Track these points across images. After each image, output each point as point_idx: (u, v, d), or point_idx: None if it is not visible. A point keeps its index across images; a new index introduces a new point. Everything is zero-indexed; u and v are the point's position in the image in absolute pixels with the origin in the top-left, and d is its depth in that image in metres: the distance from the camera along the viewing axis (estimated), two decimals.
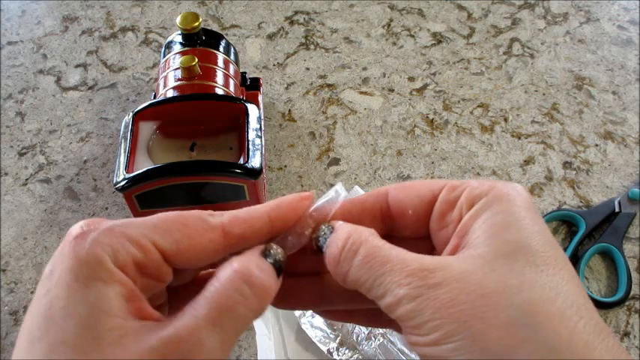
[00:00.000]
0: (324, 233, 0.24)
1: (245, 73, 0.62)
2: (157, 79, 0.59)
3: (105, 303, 0.18)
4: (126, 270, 0.19)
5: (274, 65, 0.71)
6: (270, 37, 0.74)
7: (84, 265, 0.18)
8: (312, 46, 0.73)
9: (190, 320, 0.19)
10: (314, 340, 0.46)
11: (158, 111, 0.52)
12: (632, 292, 0.51)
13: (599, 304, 0.50)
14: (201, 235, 0.21)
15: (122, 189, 0.46)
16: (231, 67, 0.58)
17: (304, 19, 0.76)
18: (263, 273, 0.21)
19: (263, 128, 0.54)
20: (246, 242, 0.22)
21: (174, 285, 0.23)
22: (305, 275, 0.26)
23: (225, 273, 0.20)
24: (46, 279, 0.19)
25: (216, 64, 0.56)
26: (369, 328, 0.46)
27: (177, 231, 0.21)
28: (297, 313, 0.48)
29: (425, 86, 0.68)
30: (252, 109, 0.52)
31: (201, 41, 0.57)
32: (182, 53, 0.55)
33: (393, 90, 0.68)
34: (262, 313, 0.21)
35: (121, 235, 0.20)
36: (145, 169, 0.46)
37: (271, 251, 0.22)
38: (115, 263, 0.19)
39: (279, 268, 0.22)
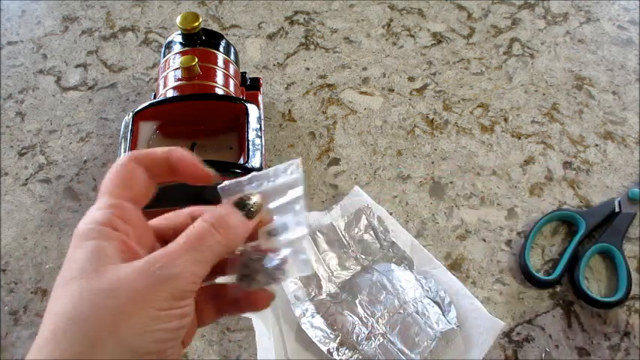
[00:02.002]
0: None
1: (245, 73, 0.62)
2: (157, 79, 0.59)
3: (99, 251, 0.23)
4: (116, 227, 0.25)
5: (274, 65, 0.71)
6: (270, 37, 0.74)
7: (78, 238, 0.24)
8: (312, 46, 0.73)
9: (169, 247, 0.24)
10: (314, 340, 0.46)
11: (158, 111, 0.52)
12: (632, 292, 0.51)
13: (599, 304, 0.50)
14: (126, 170, 0.27)
15: None
16: (231, 67, 0.58)
17: (304, 19, 0.76)
18: (229, 216, 0.26)
19: (263, 128, 0.54)
20: (155, 176, 0.28)
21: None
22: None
23: (198, 221, 0.26)
24: None
25: (216, 64, 0.56)
26: (369, 328, 0.46)
27: (114, 180, 0.27)
28: (298, 312, 0.48)
29: (425, 86, 0.68)
30: (252, 109, 0.52)
31: (201, 41, 0.57)
32: (182, 53, 0.55)
33: (393, 90, 0.68)
34: (232, 247, 0.26)
35: (96, 208, 0.25)
36: None
37: (243, 200, 0.27)
38: (105, 225, 0.24)
39: (248, 212, 0.27)
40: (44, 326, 0.22)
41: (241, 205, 0.27)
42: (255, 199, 0.27)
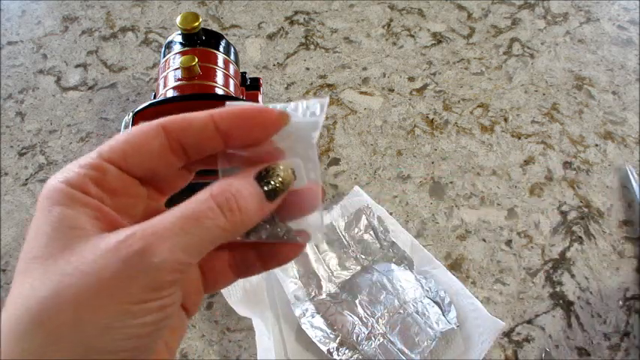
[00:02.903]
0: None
1: (245, 73, 0.62)
2: (157, 79, 0.59)
3: (68, 221, 0.20)
4: (88, 192, 0.20)
5: (274, 65, 0.71)
6: (270, 37, 0.74)
7: (44, 200, 0.20)
8: (312, 46, 0.73)
9: (155, 223, 0.19)
10: (314, 340, 0.46)
11: (158, 111, 0.52)
12: (632, 292, 0.51)
13: None
14: (141, 137, 0.21)
15: None
16: (231, 67, 0.58)
17: (304, 19, 0.76)
18: (245, 195, 0.21)
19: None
20: (194, 147, 0.22)
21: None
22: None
23: (202, 193, 0.20)
24: None
25: (216, 64, 0.56)
26: (369, 328, 0.46)
27: (122, 142, 0.21)
28: (298, 312, 0.48)
29: (425, 86, 0.68)
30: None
31: (201, 41, 0.57)
32: (182, 53, 0.55)
33: (393, 90, 0.68)
34: (239, 233, 0.21)
35: (72, 165, 0.21)
36: None
37: (268, 173, 0.21)
38: (75, 187, 0.20)
39: (272, 191, 0.21)
40: (4, 319, 0.19)
41: (264, 180, 0.21)
42: (283, 173, 0.21)
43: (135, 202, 0.22)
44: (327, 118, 0.65)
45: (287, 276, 0.50)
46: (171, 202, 0.22)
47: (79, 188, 0.20)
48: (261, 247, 0.24)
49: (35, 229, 0.20)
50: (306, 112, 0.23)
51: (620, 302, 0.51)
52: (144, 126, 0.21)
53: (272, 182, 0.21)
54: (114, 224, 0.21)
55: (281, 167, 0.22)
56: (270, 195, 0.21)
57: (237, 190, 0.20)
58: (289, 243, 0.24)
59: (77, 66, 0.71)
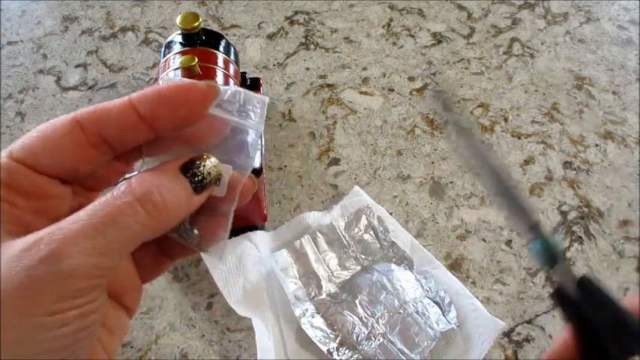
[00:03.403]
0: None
1: (245, 73, 0.62)
2: (157, 79, 0.59)
3: None
4: None
5: (274, 65, 0.71)
6: (270, 37, 0.74)
7: None
8: (312, 46, 0.73)
9: (62, 224, 0.17)
10: (314, 340, 0.46)
11: None
12: (632, 292, 0.51)
13: None
14: (53, 132, 0.19)
15: None
16: (231, 67, 0.58)
17: (304, 19, 0.76)
18: (168, 188, 0.19)
19: (263, 128, 0.54)
20: (117, 138, 0.20)
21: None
22: None
23: (118, 187, 0.18)
24: None
25: (216, 64, 0.56)
26: (369, 328, 0.46)
27: (34, 139, 0.19)
28: (298, 313, 0.48)
29: (425, 86, 0.68)
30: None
31: (201, 41, 0.57)
32: (182, 53, 0.55)
33: (393, 90, 0.68)
34: (163, 229, 0.19)
35: None
36: None
37: (194, 164, 0.20)
38: None
39: (199, 183, 0.19)
40: None
41: (190, 172, 0.20)
42: (210, 164, 0.20)
43: (57, 203, 0.20)
44: (326, 118, 0.65)
45: (287, 276, 0.50)
46: None
47: None
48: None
49: None
50: (242, 109, 0.21)
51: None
52: (56, 121, 0.19)
53: (199, 174, 0.20)
54: (28, 227, 0.18)
55: (209, 159, 0.20)
56: (198, 187, 0.19)
57: (160, 182, 0.18)
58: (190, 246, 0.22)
59: (77, 66, 0.71)
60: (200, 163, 0.20)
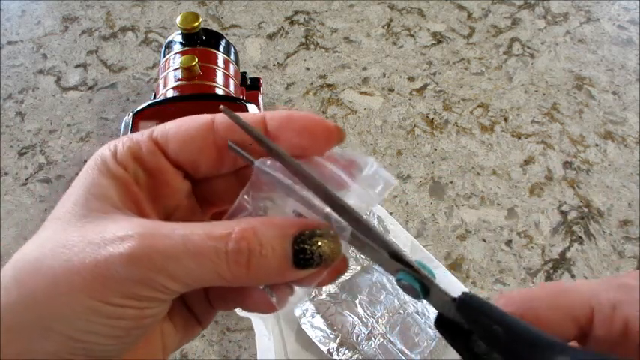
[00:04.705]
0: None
1: (245, 73, 0.62)
2: (157, 79, 0.59)
3: (98, 189, 0.19)
4: (127, 167, 0.20)
5: (274, 65, 0.71)
6: (270, 37, 0.74)
7: (88, 164, 0.20)
8: (312, 46, 0.73)
9: (161, 234, 0.18)
10: (314, 340, 0.46)
11: (158, 111, 0.52)
12: None
13: None
14: (189, 125, 0.21)
15: None
16: (231, 67, 0.58)
17: (304, 19, 0.76)
18: (267, 252, 0.17)
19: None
20: (239, 145, 0.20)
21: None
22: None
23: (222, 224, 0.18)
24: None
25: (216, 64, 0.56)
26: (369, 328, 0.46)
27: (171, 126, 0.21)
28: (297, 313, 0.48)
29: (425, 86, 0.68)
30: (252, 109, 0.52)
31: (201, 41, 0.57)
32: (182, 53, 0.55)
33: (393, 90, 0.68)
34: (239, 284, 0.18)
35: (123, 138, 0.21)
36: None
37: (313, 236, 0.17)
38: (116, 159, 0.20)
39: (302, 260, 0.18)
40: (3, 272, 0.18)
41: (300, 244, 0.17)
42: (326, 247, 0.17)
43: (172, 194, 0.21)
44: (326, 118, 0.65)
45: None
46: None
47: (118, 160, 0.20)
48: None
49: (71, 189, 0.20)
50: (370, 183, 0.19)
51: None
52: (196, 117, 0.21)
53: (309, 250, 0.17)
54: (139, 208, 0.20)
55: (331, 234, 0.18)
56: (300, 263, 0.18)
57: (260, 243, 0.17)
58: (264, 296, 0.20)
59: (77, 66, 0.71)
60: (316, 240, 0.18)
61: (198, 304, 0.22)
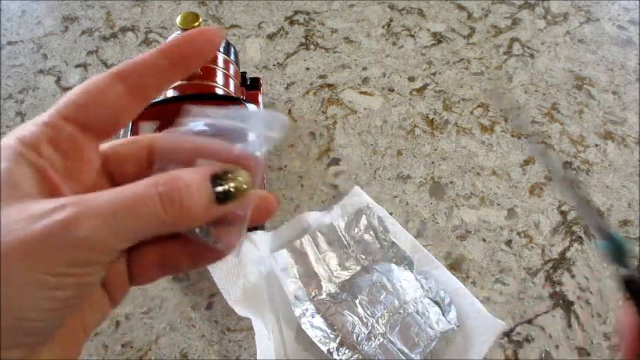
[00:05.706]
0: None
1: (245, 73, 0.62)
2: None
3: (11, 178, 0.19)
4: (40, 152, 0.20)
5: (274, 65, 0.71)
6: (270, 37, 0.74)
7: (2, 151, 0.19)
8: (312, 46, 0.73)
9: (89, 197, 0.18)
10: (314, 340, 0.46)
11: (158, 111, 0.52)
12: None
13: None
14: (95, 86, 0.21)
15: None
16: (231, 67, 0.58)
17: (304, 19, 0.76)
18: (192, 192, 0.19)
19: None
20: (146, 87, 0.22)
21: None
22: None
23: (148, 179, 0.19)
24: None
25: (216, 64, 0.56)
26: (369, 328, 0.46)
27: (75, 94, 0.21)
28: (298, 312, 0.48)
29: (425, 86, 0.68)
30: (252, 109, 0.52)
31: None
32: None
33: (393, 90, 0.68)
34: (176, 229, 0.20)
35: (30, 123, 0.20)
36: None
37: (225, 174, 0.20)
38: (27, 146, 0.19)
39: (223, 195, 0.20)
40: None
41: (218, 181, 0.20)
42: (241, 179, 0.20)
43: (87, 168, 0.21)
44: (326, 118, 0.65)
45: (287, 276, 0.50)
46: None
47: (31, 147, 0.19)
48: (188, 242, 0.22)
49: None
50: (265, 125, 0.22)
51: (620, 302, 0.51)
52: (94, 78, 0.21)
53: (226, 186, 0.20)
54: (55, 190, 0.20)
55: (241, 173, 0.20)
56: (220, 198, 0.20)
57: (186, 184, 0.19)
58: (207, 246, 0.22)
59: (77, 66, 0.71)
60: (231, 176, 0.20)
61: (114, 280, 0.22)
